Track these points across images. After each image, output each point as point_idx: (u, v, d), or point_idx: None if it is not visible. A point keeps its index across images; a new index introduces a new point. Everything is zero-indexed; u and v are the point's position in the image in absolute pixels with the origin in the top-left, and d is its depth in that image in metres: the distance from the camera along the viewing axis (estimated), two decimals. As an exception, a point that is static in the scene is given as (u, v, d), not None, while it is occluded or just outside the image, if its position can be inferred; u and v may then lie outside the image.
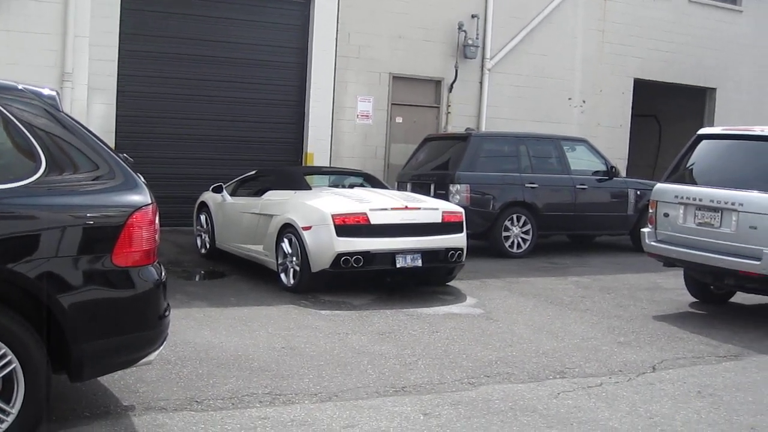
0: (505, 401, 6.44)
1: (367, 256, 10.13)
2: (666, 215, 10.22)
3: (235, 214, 12.17)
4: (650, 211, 10.59)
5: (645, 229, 10.58)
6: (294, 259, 10.38)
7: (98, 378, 6.20)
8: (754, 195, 9.21)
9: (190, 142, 15.63)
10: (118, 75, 14.69)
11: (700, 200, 9.77)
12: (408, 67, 17.68)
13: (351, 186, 12.41)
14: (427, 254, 10.46)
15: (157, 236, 5.30)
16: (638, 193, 15.48)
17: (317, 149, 16.52)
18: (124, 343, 5.17)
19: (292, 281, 10.45)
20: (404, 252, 10.30)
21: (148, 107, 15.16)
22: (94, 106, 14.40)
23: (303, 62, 16.57)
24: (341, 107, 16.95)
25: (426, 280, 11.13)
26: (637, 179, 16.53)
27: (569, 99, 19.81)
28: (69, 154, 5.16)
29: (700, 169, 10.40)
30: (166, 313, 5.41)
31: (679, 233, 10.03)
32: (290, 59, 16.52)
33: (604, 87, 20.25)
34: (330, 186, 12.52)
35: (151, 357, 5.37)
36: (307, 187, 11.68)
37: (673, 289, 11.45)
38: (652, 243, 10.38)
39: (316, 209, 10.34)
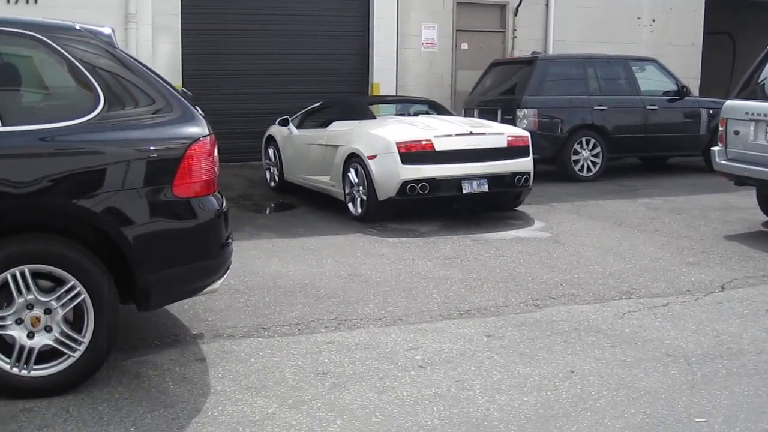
0: (569, 322, 6.46)
1: (433, 182, 10.12)
2: (736, 133, 10.02)
3: (302, 146, 12.20)
4: (720, 129, 10.39)
5: (715, 148, 10.39)
6: (361, 188, 10.42)
7: (167, 308, 6.38)
8: (827, 109, 8.96)
9: (255, 77, 15.69)
10: (181, 13, 14.76)
11: (772, 116, 9.54)
12: (472, -8, 17.47)
13: (416, 114, 12.29)
14: (493, 179, 10.42)
15: (216, 167, 5.38)
16: (711, 112, 15.16)
17: (383, 79, 16.48)
18: (188, 272, 5.27)
19: (359, 210, 10.51)
20: (470, 177, 10.27)
21: (212, 44, 15.23)
22: (159, 46, 14.53)
23: (366, -8, 16.48)
24: (405, 36, 16.84)
25: (493, 206, 11.14)
26: (709, 98, 16.18)
27: (638, 18, 19.38)
28: (127, 90, 5.22)
29: (772, 84, 10.14)
30: (229, 242, 5.50)
31: (751, 150, 9.82)
32: (353, -11, 16.45)
33: (674, 4, 19.74)
34: (395, 115, 12.45)
35: (216, 285, 5.48)
36: (372, 117, 11.66)
37: (745, 209, 11.25)
38: (723, 162, 10.19)
39: (381, 138, 10.35)
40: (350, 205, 10.70)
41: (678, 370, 5.46)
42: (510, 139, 10.66)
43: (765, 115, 9.61)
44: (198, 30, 15.00)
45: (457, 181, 10.23)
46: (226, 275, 5.57)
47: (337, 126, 11.57)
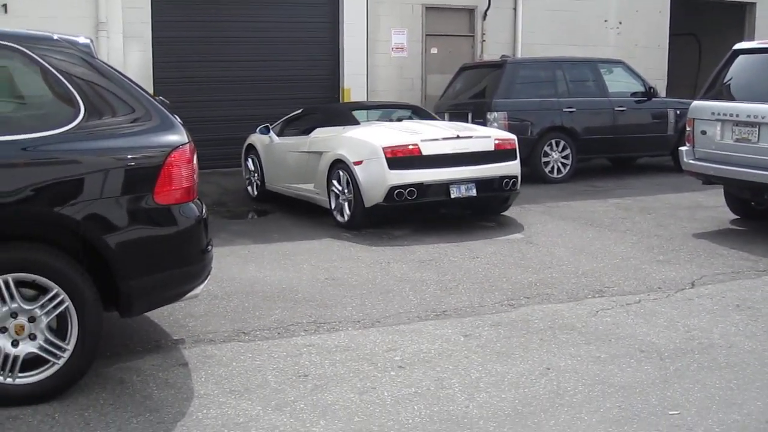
0: (544, 320, 6.58)
1: (421, 188, 10.03)
2: (703, 132, 10.20)
3: (284, 154, 12.07)
4: (687, 129, 10.57)
5: (683, 148, 10.57)
6: (346, 194, 10.30)
7: (148, 315, 6.43)
8: (791, 108, 9.15)
9: (226, 85, 15.73)
10: (152, 22, 14.79)
11: (737, 116, 9.73)
12: (441, -3, 17.61)
13: (399, 119, 12.19)
14: (481, 183, 10.35)
15: (195, 174, 5.45)
16: (678, 112, 15.35)
17: (354, 84, 16.57)
18: (170, 278, 5.35)
19: (345, 217, 10.39)
20: (458, 182, 10.20)
21: (183, 52, 15.27)
22: (130, 55, 14.55)
23: (335, -2, 16.57)
24: (375, 41, 16.94)
25: (481, 211, 11.09)
26: (676, 99, 16.41)
27: (605, 21, 19.60)
28: (106, 99, 5.29)
29: (736, 84, 10.33)
30: (209, 248, 5.58)
31: (717, 150, 10.01)
32: (322, -4, 16.54)
33: (640, 7, 19.98)
34: (378, 120, 12.30)
35: (197, 291, 5.55)
36: (356, 122, 11.52)
37: (713, 207, 11.44)
38: (690, 161, 10.38)
39: (367, 143, 10.27)
40: (335, 213, 10.59)
41: (651, 365, 5.59)
42: (497, 142, 10.62)
43: (731, 115, 9.79)
44: (169, 38, 15.03)
45: (444, 186, 10.17)
46: (207, 281, 5.65)
47: (319, 132, 11.47)
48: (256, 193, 13.00)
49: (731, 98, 10.12)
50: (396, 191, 9.91)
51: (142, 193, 5.14)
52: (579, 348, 5.95)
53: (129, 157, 5.15)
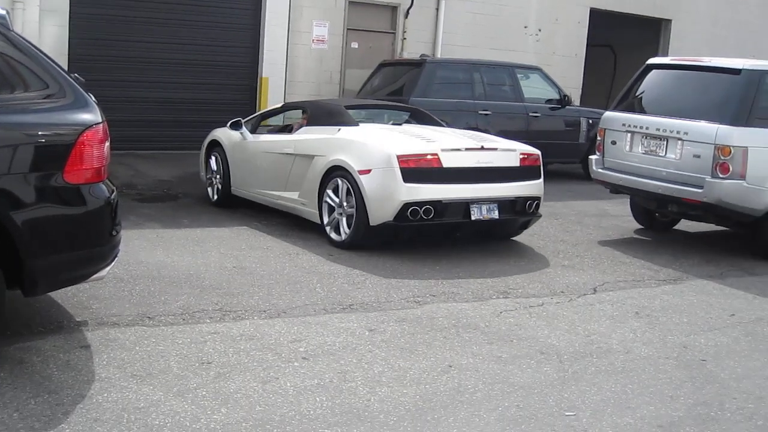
0: (448, 319, 6.68)
1: (439, 206, 8.62)
2: (613, 143, 10.43)
3: (259, 154, 10.47)
4: (598, 138, 10.80)
5: (593, 156, 10.80)
6: (345, 208, 8.90)
7: (51, 295, 6.34)
8: (699, 124, 9.40)
9: (145, 65, 15.47)
10: (70, -3, 14.52)
11: (647, 128, 9.97)
12: (364, -8, 17.63)
13: (395, 123, 10.78)
14: (504, 204, 9.01)
15: (107, 155, 5.39)
16: (590, 121, 15.65)
17: (272, 74, 16.48)
18: (76, 259, 5.29)
19: (342, 235, 8.95)
20: (480, 201, 8.81)
21: (100, 30, 14.96)
22: (46, 28, 14.23)
23: (259, -15, 16.46)
24: (297, 32, 16.88)
25: (497, 236, 9.75)
26: (589, 108, 16.73)
27: (525, 27, 19.85)
28: (20, 73, 5.21)
29: (648, 98, 10.59)
30: (117, 230, 5.53)
31: (626, 161, 10.25)
32: (246, -18, 16.42)
33: (560, 16, 20.30)
34: (371, 122, 10.60)
35: (103, 273, 5.50)
36: (353, 123, 9.86)
37: (619, 216, 11.71)
38: (599, 170, 10.61)
39: (378, 148, 8.80)
40: (328, 229, 9.15)
41: (550, 367, 5.72)
42: (522, 157, 9.26)
43: (641, 128, 10.04)
44: (88, 15, 14.72)
45: (464, 205, 8.76)
46: (114, 263, 5.60)
47: (308, 132, 9.99)
48: (216, 197, 11.23)
49: (642, 111, 10.38)
50: (410, 209, 8.50)
51: (52, 171, 5.07)
52: (481, 347, 6.05)
53: (40, 133, 5.08)
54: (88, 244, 5.33)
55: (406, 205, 8.48)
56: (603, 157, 10.56)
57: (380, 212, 8.58)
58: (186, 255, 8.29)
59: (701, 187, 9.22)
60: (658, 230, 11.14)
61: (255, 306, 6.72)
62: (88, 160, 5.18)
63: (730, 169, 9.06)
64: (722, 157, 9.09)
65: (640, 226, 11.19)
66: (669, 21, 22.36)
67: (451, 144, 8.94)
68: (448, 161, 8.69)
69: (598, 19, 21.04)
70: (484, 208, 8.83)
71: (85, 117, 5.23)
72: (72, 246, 5.24)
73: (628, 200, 11.22)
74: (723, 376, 5.80)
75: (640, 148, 10.06)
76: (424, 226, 8.73)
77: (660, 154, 9.78)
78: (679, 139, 9.53)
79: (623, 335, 6.55)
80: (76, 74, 5.71)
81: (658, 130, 9.82)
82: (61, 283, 5.46)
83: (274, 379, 5.22)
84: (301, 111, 10.94)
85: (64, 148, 5.11)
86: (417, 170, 8.57)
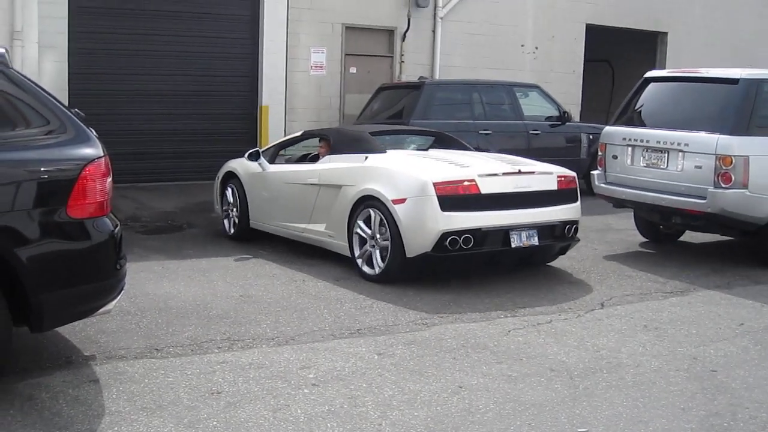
0: (456, 339, 6.67)
1: (479, 234, 8.26)
2: (615, 157, 10.45)
3: (281, 185, 10.10)
4: (599, 153, 10.82)
5: (595, 172, 10.81)
6: (378, 240, 8.55)
7: (59, 330, 6.34)
8: (699, 135, 9.42)
9: (145, 98, 15.54)
10: (68, 32, 14.57)
11: (648, 142, 9.99)
12: (360, 18, 17.67)
13: (419, 148, 10.53)
14: (543, 230, 8.68)
15: (109, 188, 5.41)
16: (591, 137, 15.65)
17: (272, 102, 16.53)
18: (83, 293, 5.29)
19: (376, 269, 8.59)
20: (519, 228, 8.47)
21: (99, 64, 15.04)
22: (45, 65, 14.30)
23: (255, 15, 16.48)
24: (295, 59, 16.94)
25: (537, 262, 9.39)
26: (589, 123, 16.74)
27: (522, 45, 19.91)
28: (20, 110, 5.25)
29: (647, 111, 10.62)
30: (122, 263, 5.53)
31: (628, 174, 10.26)
32: (242, 12, 16.43)
33: (556, 33, 20.36)
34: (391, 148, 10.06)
35: (110, 306, 5.51)
36: (381, 150, 9.43)
37: (624, 230, 11.70)
38: (602, 185, 10.62)
39: (412, 176, 8.46)
40: (360, 262, 8.76)
41: (561, 384, 5.71)
42: (560, 180, 8.96)
43: (641, 141, 10.05)
44: (86, 49, 14.79)
45: (504, 233, 8.41)
46: (120, 296, 5.60)
47: (333, 161, 9.59)
48: (233, 230, 10.89)
49: (642, 124, 10.40)
50: (449, 238, 8.14)
51: (56, 206, 5.09)
52: (491, 367, 6.04)
53: (42, 169, 5.10)
54: (94, 278, 5.33)
55: (445, 235, 8.13)
56: (605, 171, 10.57)
57: (417, 243, 8.23)
58: (192, 286, 8.29)
59: (704, 198, 9.22)
60: (663, 243, 11.13)
61: (263, 334, 6.71)
62: (91, 195, 5.19)
63: (732, 178, 9.07)
64: (724, 167, 9.10)
65: (645, 239, 11.19)
66: (665, 34, 22.42)
67: (487, 169, 8.65)
68: (486, 187, 8.37)
69: (595, 34, 21.10)
70: (524, 234, 8.48)
71: (87, 151, 5.25)
72: (78, 280, 5.24)
73: (632, 214, 11.21)
74: (734, 386, 5.78)
75: (641, 161, 10.08)
76: (463, 256, 8.34)
77: (662, 167, 9.79)
78: (680, 150, 9.54)
79: (632, 349, 6.54)
80: (76, 109, 5.74)
81: (658, 142, 9.83)
82: (67, 318, 5.46)
83: (284, 406, 5.21)
84: (320, 139, 10.46)
85: (67, 183, 5.13)
86: (454, 197, 8.25)
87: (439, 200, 8.14)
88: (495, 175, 8.53)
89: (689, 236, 11.30)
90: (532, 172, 8.83)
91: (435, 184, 8.18)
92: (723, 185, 9.11)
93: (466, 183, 8.30)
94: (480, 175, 8.40)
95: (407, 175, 8.52)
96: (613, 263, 9.73)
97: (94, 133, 5.45)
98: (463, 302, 7.83)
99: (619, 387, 5.68)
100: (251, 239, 10.55)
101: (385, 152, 9.40)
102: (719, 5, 22.99)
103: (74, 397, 5.27)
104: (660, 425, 5.05)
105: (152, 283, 8.33)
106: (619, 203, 10.59)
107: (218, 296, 7.89)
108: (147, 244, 10.48)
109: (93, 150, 5.27)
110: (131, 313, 7.17)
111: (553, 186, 8.85)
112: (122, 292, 5.66)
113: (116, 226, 5.47)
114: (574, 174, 9.29)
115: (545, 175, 8.91)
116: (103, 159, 5.29)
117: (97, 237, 5.26)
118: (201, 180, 14.83)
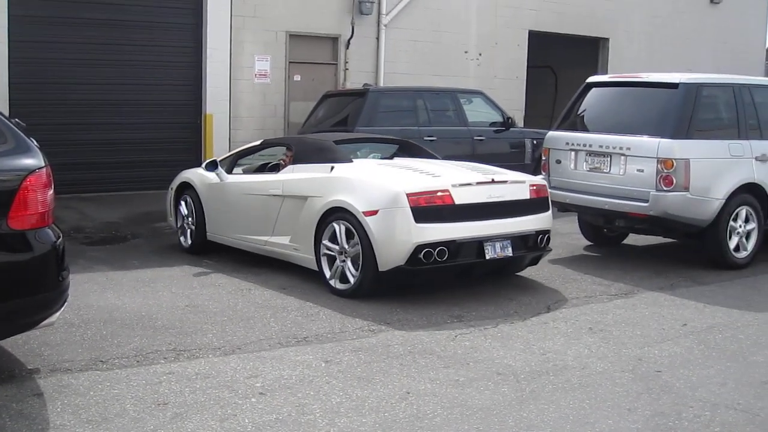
0: (403, 345, 6.68)
1: (453, 246, 8.03)
2: (558, 162, 10.54)
3: (241, 197, 9.80)
4: (543, 158, 10.91)
5: (539, 177, 10.89)
6: (348, 252, 8.29)
7: (1, 343, 6.23)
8: (641, 139, 9.54)
9: (85, 108, 15.37)
10: (8, 41, 14.38)
11: (590, 146, 10.10)
12: (304, 25, 17.66)
13: (383, 157, 10.23)
14: (516, 240, 8.49)
15: (51, 199, 5.34)
16: (535, 142, 15.78)
17: (216, 110, 16.45)
18: (25, 305, 5.22)
19: (348, 283, 8.30)
20: (493, 239, 8.26)
21: (40, 74, 14.85)
22: (-16, 74, 14.12)
23: (198, 23, 16.39)
24: (239, 67, 16.88)
25: (506, 271, 9.12)
26: (533, 129, 16.88)
27: (465, 52, 20.04)
28: (-42, 121, 5.16)
29: (589, 116, 10.73)
30: (65, 275, 5.47)
31: (572, 179, 10.36)
32: (185, 20, 16.34)
33: (499, 40, 20.52)
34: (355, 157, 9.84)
35: (53, 318, 5.44)
36: (347, 159, 9.19)
37: (568, 234, 11.80)
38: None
39: (384, 187, 8.19)
40: (329, 276, 8.48)
41: (508, 387, 5.75)
42: (533, 189, 8.77)
43: (584, 145, 10.16)
44: (27, 59, 14.59)
45: (478, 244, 8.20)
46: (63, 308, 5.53)
47: (296, 171, 9.28)
48: (190, 242, 10.55)
49: (585, 129, 10.51)
50: (424, 251, 7.89)
51: (-4, 218, 5.01)
52: (438, 372, 6.06)
53: (-20, 180, 5.02)
54: (36, 290, 5.26)
55: (419, 247, 7.86)
56: (549, 176, 10.66)
57: (391, 256, 7.95)
58: (137, 296, 8.21)
59: (646, 201, 9.35)
60: (606, 246, 11.26)
61: (209, 344, 6.67)
62: (32, 206, 5.13)
63: (674, 181, 9.20)
64: (665, 170, 9.23)
65: (589, 243, 11.31)
66: (606, 39, 22.71)
67: (460, 179, 8.41)
68: (460, 197, 8.14)
69: (537, 40, 21.31)
70: (498, 245, 8.29)
71: (28, 162, 5.19)
72: (19, 293, 5.17)
73: (576, 218, 11.33)
74: (678, 385, 5.86)
75: (584, 165, 10.18)
76: (436, 269, 8.07)
77: (604, 171, 9.90)
78: (622, 154, 9.66)
79: (578, 351, 6.60)
80: (16, 119, 5.67)
81: (601, 147, 9.95)
82: (9, 330, 5.39)
83: (231, 416, 5.18)
84: (287, 148, 10.06)
85: (8, 194, 5.06)
86: (428, 208, 7.99)
87: (412, 212, 7.90)
88: (469, 184, 8.32)
89: (633, 239, 11.45)
90: (505, 182, 8.63)
91: (408, 195, 7.94)
92: (665, 188, 9.24)
93: (440, 193, 8.08)
94: (454, 185, 8.18)
95: (378, 186, 8.25)
96: (558, 267, 9.82)
97: (35, 143, 5.39)
98: (409, 308, 7.84)
99: (565, 389, 5.74)
100: (204, 252, 10.38)
101: (352, 161, 9.18)
102: (659, 12, 23.36)
103: (18, 411, 5.19)
104: (606, 426, 5.10)
105: (96, 294, 8.24)
106: (564, 207, 10.69)
107: (164, 306, 7.82)
108: (91, 255, 10.36)
109: (34, 160, 5.21)
110: (75, 324, 7.08)
111: (525, 195, 8.68)
112: (66, 303, 5.59)
113: (59, 237, 5.41)
114: (545, 182, 9.19)
115: (518, 184, 8.73)
116: (44, 169, 5.23)
117: (39, 248, 5.20)
118: (145, 190, 14.74)
